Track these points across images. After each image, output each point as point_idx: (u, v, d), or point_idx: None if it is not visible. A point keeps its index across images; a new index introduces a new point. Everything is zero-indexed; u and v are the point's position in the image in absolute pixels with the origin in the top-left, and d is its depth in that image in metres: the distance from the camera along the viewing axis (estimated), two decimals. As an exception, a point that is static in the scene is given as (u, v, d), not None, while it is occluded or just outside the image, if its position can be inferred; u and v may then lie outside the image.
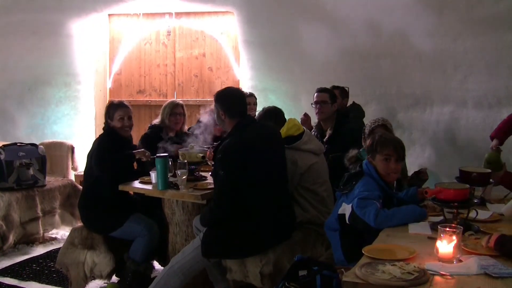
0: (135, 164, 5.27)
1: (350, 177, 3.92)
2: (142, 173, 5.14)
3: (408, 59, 7.00)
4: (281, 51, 7.59)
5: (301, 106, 7.13)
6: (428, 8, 6.71)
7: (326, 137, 5.65)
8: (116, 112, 5.16)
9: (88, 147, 5.27)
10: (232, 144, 4.12)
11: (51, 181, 6.88)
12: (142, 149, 5.24)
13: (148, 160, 5.13)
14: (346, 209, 3.74)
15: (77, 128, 8.64)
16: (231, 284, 4.35)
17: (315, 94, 5.74)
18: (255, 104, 6.61)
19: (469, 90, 6.74)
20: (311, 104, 5.76)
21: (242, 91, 4.74)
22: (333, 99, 5.70)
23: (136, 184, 4.98)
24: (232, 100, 4.32)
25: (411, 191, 3.97)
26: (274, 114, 5.01)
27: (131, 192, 5.26)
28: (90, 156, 5.07)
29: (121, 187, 4.93)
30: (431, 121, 6.95)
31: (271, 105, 5.43)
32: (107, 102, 5.38)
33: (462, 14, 6.58)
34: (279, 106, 5.25)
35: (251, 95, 6.70)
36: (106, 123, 5.21)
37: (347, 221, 3.72)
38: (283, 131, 4.70)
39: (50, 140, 7.95)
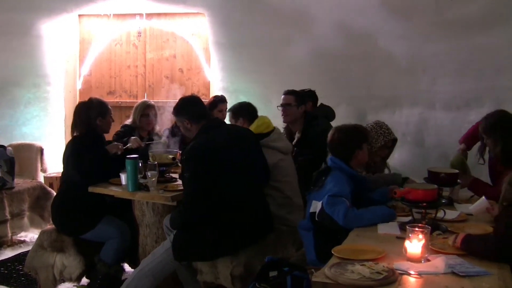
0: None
1: (319, 175, 3.96)
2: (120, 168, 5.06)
3: (378, 62, 7.06)
4: (252, 52, 7.60)
5: (272, 107, 7.12)
6: (398, 11, 6.78)
7: (295, 140, 5.65)
8: (108, 109, 5.16)
9: (58, 148, 5.23)
10: (196, 146, 4.12)
11: (20, 183, 6.80)
12: (115, 143, 5.20)
13: (122, 152, 5.08)
14: (317, 206, 3.76)
15: (46, 130, 8.55)
16: (201, 285, 4.35)
17: (282, 96, 5.74)
18: (226, 110, 6.58)
19: (437, 92, 6.83)
20: (277, 106, 5.77)
21: (196, 95, 4.75)
22: (299, 102, 5.68)
23: (107, 185, 4.94)
24: (191, 106, 4.35)
25: (383, 190, 4.04)
26: (249, 108, 5.05)
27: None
28: (66, 160, 4.99)
29: (91, 189, 4.87)
30: (401, 123, 7.00)
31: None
32: (86, 101, 5.27)
33: (431, 17, 6.66)
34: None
35: (224, 100, 6.68)
36: (88, 122, 5.05)
37: (316, 218, 3.75)
38: (253, 128, 4.73)
39: (19, 142, 7.86)
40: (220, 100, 6.56)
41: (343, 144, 4.00)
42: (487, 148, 4.58)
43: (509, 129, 4.37)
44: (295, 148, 5.53)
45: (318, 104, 6.49)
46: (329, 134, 4.11)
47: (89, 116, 5.05)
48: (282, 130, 5.89)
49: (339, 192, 3.67)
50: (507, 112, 4.54)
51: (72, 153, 4.93)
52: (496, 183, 4.35)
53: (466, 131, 5.52)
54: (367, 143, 4.10)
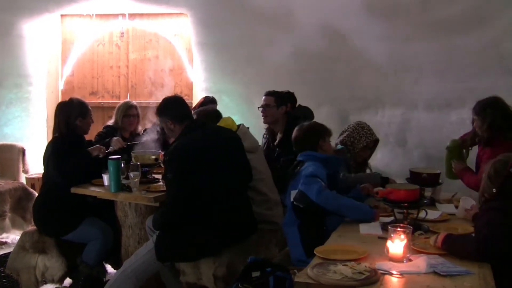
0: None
1: (293, 170, 4.09)
2: (101, 170, 5.04)
3: (360, 62, 7.08)
4: (235, 53, 7.60)
5: (254, 108, 7.13)
6: (380, 12, 6.80)
7: (277, 140, 5.66)
8: (89, 110, 5.15)
9: (40, 149, 5.19)
10: (179, 146, 4.12)
11: (1, 184, 6.77)
12: (97, 145, 5.19)
13: (104, 155, 5.07)
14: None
15: (28, 130, 8.49)
16: (184, 286, 4.34)
17: (262, 97, 5.76)
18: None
19: (419, 93, 6.86)
20: (258, 107, 5.77)
21: (179, 96, 4.74)
22: (279, 103, 5.69)
23: (89, 186, 4.93)
24: (175, 107, 4.35)
25: (357, 189, 4.15)
26: (210, 115, 5.05)
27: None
28: (46, 161, 4.97)
29: (73, 190, 4.85)
30: (383, 123, 7.03)
31: (218, 107, 5.45)
32: (66, 101, 5.25)
33: (413, 18, 6.69)
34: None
35: (214, 101, 6.67)
36: (68, 123, 5.03)
37: (292, 200, 3.86)
38: None
39: (1, 143, 7.82)
40: (210, 101, 6.60)
41: (307, 137, 4.15)
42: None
43: (499, 109, 4.58)
44: (277, 149, 5.55)
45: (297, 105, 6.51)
46: (293, 134, 4.28)
47: (69, 117, 5.04)
48: (264, 131, 5.91)
49: (315, 172, 3.79)
50: (499, 98, 4.70)
51: (52, 154, 4.91)
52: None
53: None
54: (329, 137, 4.22)
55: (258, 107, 5.76)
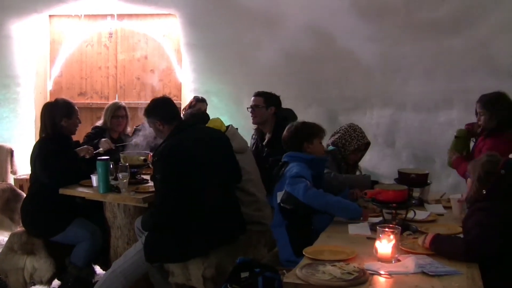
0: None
1: (277, 171, 4.09)
2: (88, 171, 5.03)
3: (348, 63, 7.09)
4: (223, 54, 7.60)
5: (243, 109, 7.14)
6: (369, 13, 6.82)
7: (266, 140, 5.66)
8: (75, 110, 5.12)
9: (28, 150, 5.16)
10: (167, 147, 4.12)
11: (-11, 185, 6.74)
12: (85, 146, 5.17)
13: (91, 156, 5.06)
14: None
15: (16, 131, 8.45)
16: (173, 287, 4.34)
17: (252, 98, 5.76)
18: (206, 110, 6.60)
19: (408, 94, 6.89)
20: (247, 108, 5.77)
21: (167, 97, 4.74)
22: (268, 103, 5.69)
23: (77, 187, 4.91)
24: (163, 107, 4.35)
25: (345, 193, 4.13)
26: (197, 118, 5.07)
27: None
28: (34, 162, 4.96)
29: (61, 191, 4.83)
30: (371, 124, 7.05)
31: (209, 108, 5.46)
32: (52, 101, 5.25)
33: (401, 19, 6.72)
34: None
35: (203, 100, 6.71)
36: (53, 123, 5.02)
37: (279, 202, 3.85)
38: None
39: (-12, 144, 7.79)
40: (200, 101, 6.66)
41: (292, 138, 4.16)
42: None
43: (506, 104, 4.70)
44: (266, 149, 5.56)
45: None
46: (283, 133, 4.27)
47: (54, 117, 5.02)
48: (253, 131, 5.91)
49: (299, 172, 3.79)
50: (505, 93, 4.80)
51: (39, 154, 4.90)
52: None
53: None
54: (318, 138, 4.20)
55: (247, 108, 5.76)
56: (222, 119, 4.99)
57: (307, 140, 4.12)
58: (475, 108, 4.84)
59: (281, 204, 3.88)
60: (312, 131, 4.19)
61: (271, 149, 5.48)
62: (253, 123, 5.78)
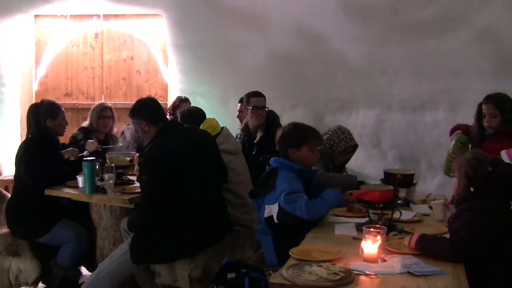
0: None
1: (266, 178, 3.91)
2: (72, 174, 5.02)
3: (335, 64, 7.11)
4: (210, 54, 7.59)
5: (230, 109, 7.15)
6: (355, 14, 6.85)
7: (257, 138, 5.63)
8: (60, 111, 5.09)
9: (13, 151, 5.13)
10: (154, 148, 4.11)
11: (-26, 186, 6.69)
12: (70, 148, 5.15)
13: (76, 158, 5.04)
14: (272, 209, 3.72)
15: (1, 132, 8.39)
16: (160, 288, 4.34)
17: (255, 98, 5.70)
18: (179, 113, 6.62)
19: (394, 95, 6.92)
20: (247, 107, 5.72)
21: (152, 97, 4.73)
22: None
23: (63, 188, 4.89)
24: (149, 108, 4.33)
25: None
26: (195, 115, 5.06)
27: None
28: (18, 162, 4.93)
29: (47, 192, 4.82)
30: (358, 125, 7.07)
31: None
32: (37, 102, 5.23)
33: (387, 20, 6.74)
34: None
35: (186, 100, 6.74)
36: (38, 124, 4.99)
37: (276, 220, 3.70)
38: None
39: (-27, 144, 7.74)
40: (183, 100, 6.74)
41: (280, 141, 4.00)
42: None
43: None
44: (256, 147, 5.55)
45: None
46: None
47: (38, 118, 4.99)
48: (239, 131, 5.91)
49: (294, 189, 3.66)
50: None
51: (24, 155, 4.88)
52: None
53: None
54: (309, 146, 3.93)
55: (248, 107, 5.69)
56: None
57: (293, 146, 3.91)
58: (478, 109, 4.69)
59: (276, 221, 3.75)
60: (302, 136, 3.93)
61: (262, 147, 5.45)
62: (259, 123, 5.68)
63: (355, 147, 4.98)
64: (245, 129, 5.83)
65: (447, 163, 4.70)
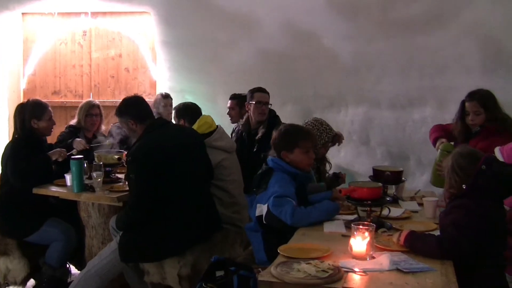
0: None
1: (261, 177, 3.91)
2: (60, 173, 5.00)
3: (323, 61, 7.11)
4: (198, 52, 7.58)
5: (218, 107, 7.14)
6: (343, 11, 6.85)
7: (259, 135, 5.61)
8: (46, 111, 5.05)
9: (1, 150, 5.11)
10: (141, 146, 4.11)
11: (-39, 185, 6.63)
12: (58, 149, 5.12)
13: (64, 158, 5.02)
14: (263, 209, 3.73)
15: (-12, 131, 8.39)
16: (149, 286, 4.32)
17: (259, 94, 5.70)
18: (171, 105, 6.61)
19: (382, 91, 6.93)
20: (250, 102, 5.70)
21: (139, 96, 4.72)
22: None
23: (51, 187, 4.87)
24: (135, 106, 4.33)
25: (325, 195, 4.01)
26: (190, 110, 5.05)
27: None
28: (5, 163, 4.91)
29: (35, 191, 4.80)
30: (346, 122, 7.09)
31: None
32: (23, 102, 5.21)
33: (375, 17, 6.75)
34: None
35: (167, 96, 6.74)
36: (23, 125, 4.97)
37: (264, 221, 3.71)
38: (195, 128, 4.74)
39: (-40, 143, 7.68)
40: (164, 96, 6.75)
41: (274, 143, 3.99)
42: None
43: (497, 102, 4.62)
44: (257, 144, 5.54)
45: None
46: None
47: (23, 118, 4.97)
48: (231, 130, 5.90)
49: (284, 192, 3.65)
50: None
51: (10, 155, 4.86)
52: None
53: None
54: (301, 148, 3.90)
55: (250, 102, 5.68)
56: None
57: (285, 149, 3.90)
58: (461, 107, 4.70)
59: (264, 221, 3.74)
60: (292, 139, 3.92)
61: (263, 144, 5.41)
62: (262, 119, 5.68)
63: (334, 136, 4.94)
64: (246, 124, 5.80)
65: (434, 173, 4.65)
